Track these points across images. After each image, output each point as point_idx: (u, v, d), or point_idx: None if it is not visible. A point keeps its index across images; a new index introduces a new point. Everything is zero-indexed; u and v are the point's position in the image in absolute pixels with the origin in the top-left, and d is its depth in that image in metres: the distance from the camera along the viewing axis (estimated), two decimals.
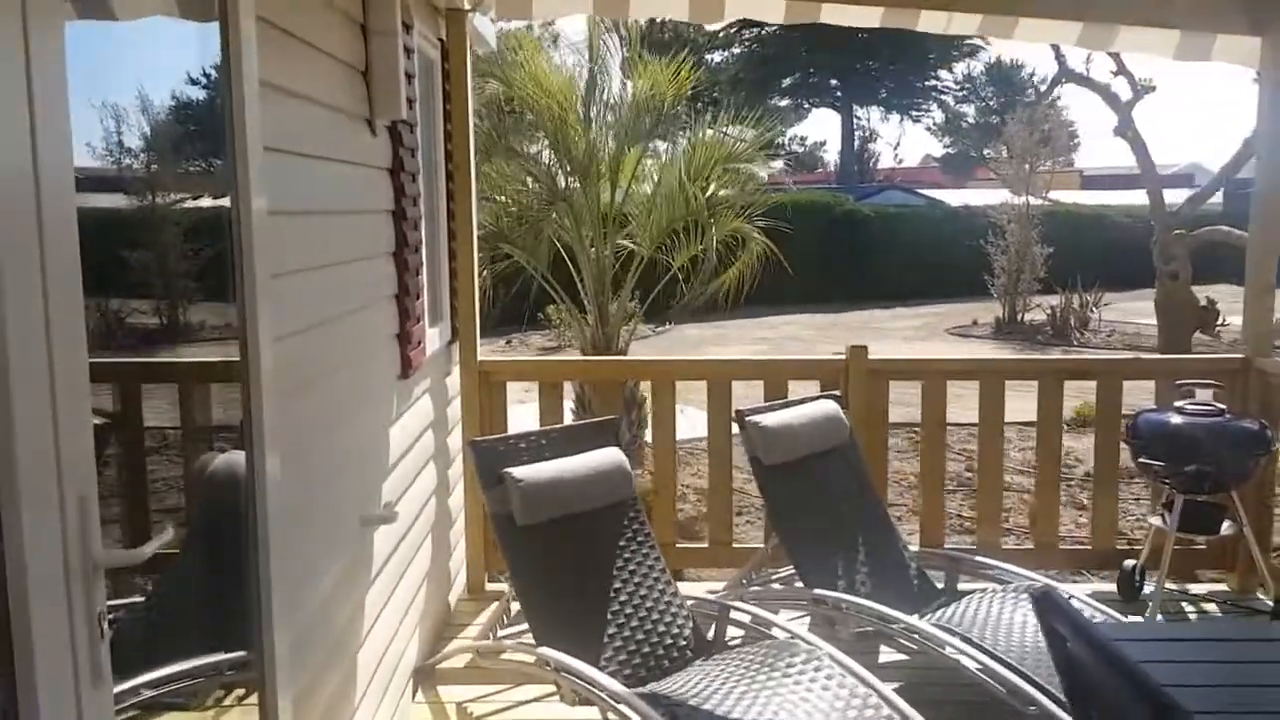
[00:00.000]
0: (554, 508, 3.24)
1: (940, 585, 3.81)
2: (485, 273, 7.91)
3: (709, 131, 7.64)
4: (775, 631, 3.21)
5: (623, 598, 3.30)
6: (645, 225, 7.56)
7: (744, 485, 5.65)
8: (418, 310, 3.36)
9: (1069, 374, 4.30)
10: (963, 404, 4.22)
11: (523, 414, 4.61)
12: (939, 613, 3.48)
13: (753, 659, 3.04)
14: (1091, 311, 18.12)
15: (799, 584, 3.67)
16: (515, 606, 3.54)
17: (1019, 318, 18.82)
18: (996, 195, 21.58)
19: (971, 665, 3.04)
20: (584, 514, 3.31)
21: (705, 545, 4.38)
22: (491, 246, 7.81)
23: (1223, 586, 4.33)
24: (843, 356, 4.19)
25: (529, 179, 7.75)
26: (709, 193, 7.49)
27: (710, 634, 3.37)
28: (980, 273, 19.04)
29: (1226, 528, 3.83)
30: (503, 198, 7.78)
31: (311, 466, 2.40)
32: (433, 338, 3.70)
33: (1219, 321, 6.95)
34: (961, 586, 3.80)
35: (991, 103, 41.50)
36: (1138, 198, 33.66)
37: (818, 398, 3.99)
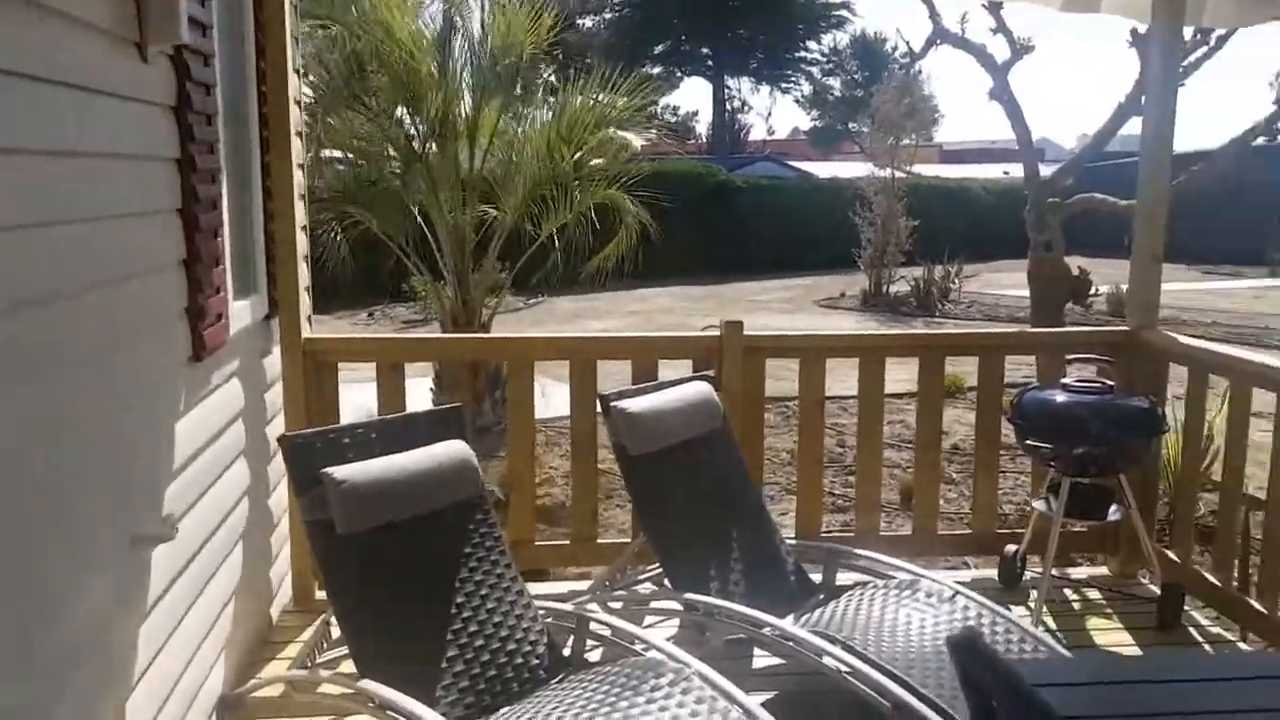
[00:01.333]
0: (383, 512, 2.77)
1: (818, 580, 3.50)
2: (333, 236, 7.28)
3: (580, 97, 7.17)
4: (641, 645, 2.83)
5: (465, 614, 2.85)
6: (510, 190, 7.06)
7: (608, 461, 5.26)
8: (216, 280, 2.82)
9: (952, 349, 4.05)
10: (833, 376, 3.92)
11: (370, 397, 4.09)
12: (816, 613, 3.17)
13: (614, 681, 2.65)
14: (953, 283, 18.45)
15: (668, 583, 3.31)
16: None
17: (884, 289, 19.02)
18: (862, 168, 21.79)
19: (850, 675, 2.72)
20: (420, 518, 2.85)
21: (567, 542, 3.97)
22: (339, 210, 7.19)
23: (1103, 570, 4.18)
24: (717, 333, 3.83)
25: (382, 138, 7.14)
26: (578, 156, 7.04)
27: (568, 649, 2.97)
28: (848, 245, 19.16)
29: (1113, 512, 3.63)
30: (350, 155, 7.17)
31: (45, 478, 1.88)
32: (241, 312, 3.15)
33: (1091, 291, 6.95)
34: (841, 580, 3.50)
35: (856, 76, 42.13)
36: (992, 172, 34.53)
37: (690, 379, 3.62)
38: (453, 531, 2.94)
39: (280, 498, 3.62)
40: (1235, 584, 3.60)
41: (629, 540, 3.93)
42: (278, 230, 3.48)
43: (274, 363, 3.57)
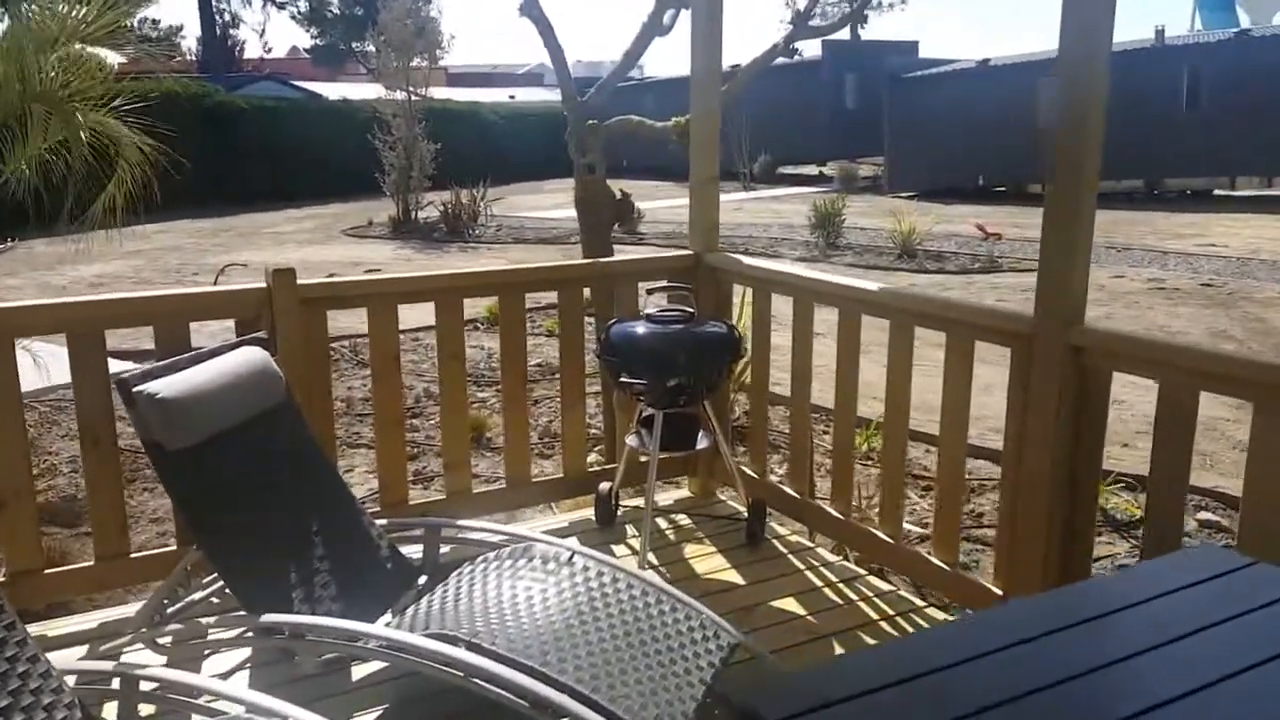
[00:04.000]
0: None
1: (417, 560, 3.09)
2: None
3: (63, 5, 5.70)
4: (223, 704, 2.22)
5: None
6: None
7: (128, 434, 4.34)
8: None
9: (532, 285, 3.77)
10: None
11: None
12: (424, 604, 2.74)
13: None
14: (480, 207, 18.47)
15: (240, 603, 2.69)
16: None
17: (413, 216, 18.56)
18: (373, 90, 20.92)
19: (473, 677, 2.36)
20: None
21: (91, 564, 3.14)
22: None
23: (684, 492, 4.22)
24: (263, 285, 3.17)
25: None
26: (55, 77, 5.66)
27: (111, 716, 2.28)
28: (369, 170, 18.35)
29: (701, 439, 3.62)
30: None
31: None
32: None
33: (634, 213, 7.12)
34: (446, 554, 3.12)
35: None
36: (498, 96, 35.52)
37: (236, 344, 2.95)
38: None
39: None
40: (809, 494, 3.78)
41: (173, 547, 3.21)
42: None
43: None
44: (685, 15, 6.46)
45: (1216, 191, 22.53)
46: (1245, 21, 26.84)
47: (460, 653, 2.39)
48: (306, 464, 3.00)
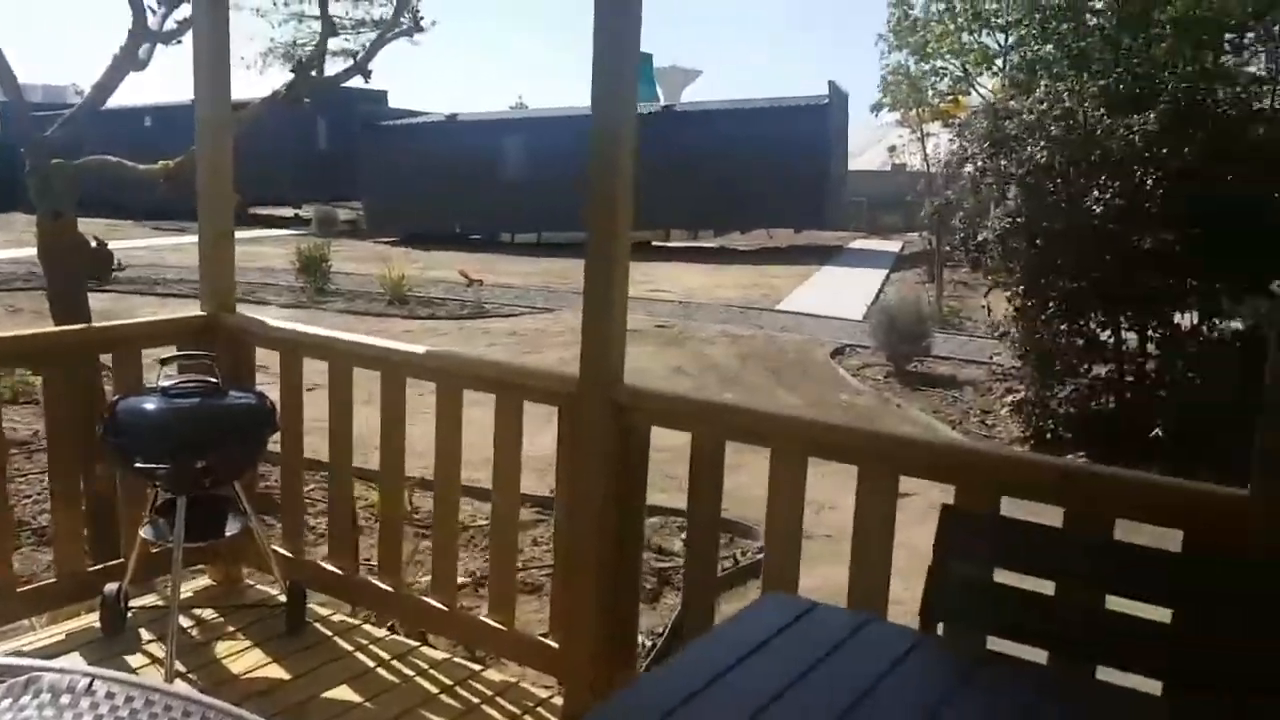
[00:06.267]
0: None
1: None
2: None
3: None
4: None
5: None
6: None
7: None
8: None
9: (11, 359, 3.14)
10: None
11: None
12: None
13: None
14: None
15: None
16: None
17: None
18: None
19: None
20: None
21: None
22: None
23: (204, 582, 3.78)
24: None
25: None
26: None
27: None
28: None
29: (231, 524, 3.27)
30: None
31: None
32: None
33: (115, 266, 6.24)
34: None
35: None
36: None
37: None
38: None
39: None
40: (355, 570, 3.60)
41: None
42: None
43: None
44: (161, 50, 5.90)
45: (654, 243, 25.64)
46: (663, 96, 30.72)
47: None
48: None
